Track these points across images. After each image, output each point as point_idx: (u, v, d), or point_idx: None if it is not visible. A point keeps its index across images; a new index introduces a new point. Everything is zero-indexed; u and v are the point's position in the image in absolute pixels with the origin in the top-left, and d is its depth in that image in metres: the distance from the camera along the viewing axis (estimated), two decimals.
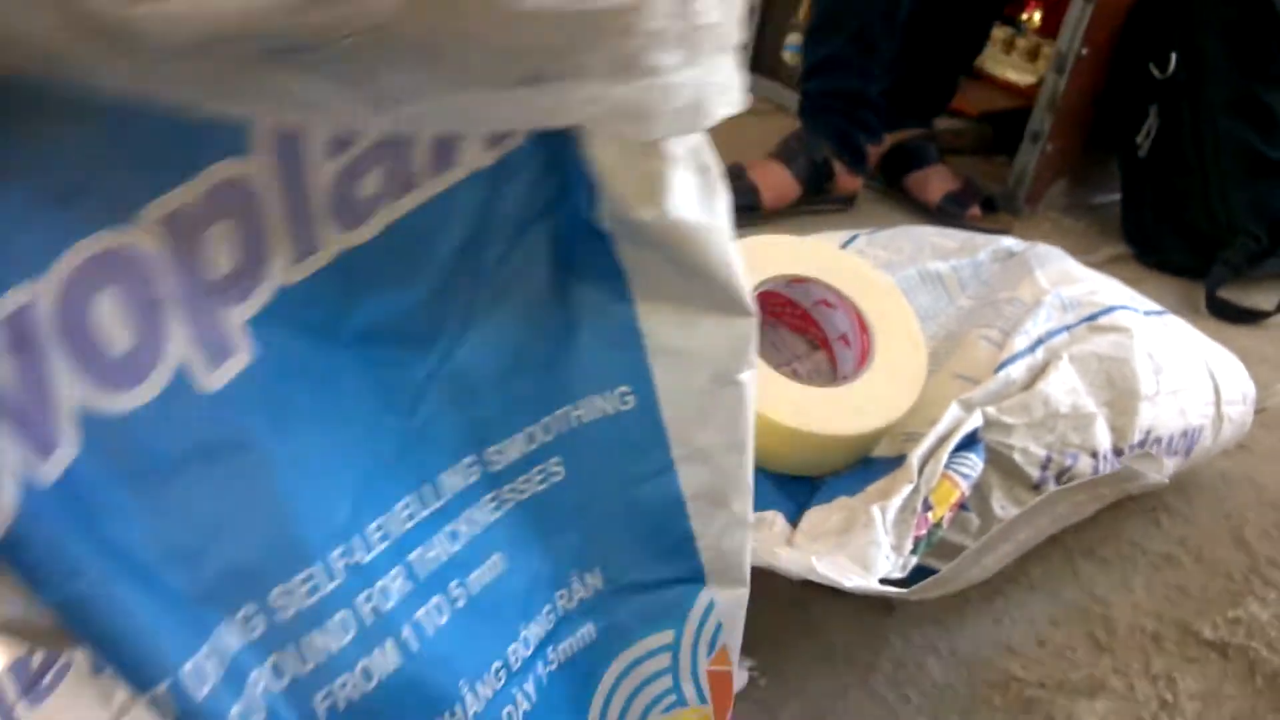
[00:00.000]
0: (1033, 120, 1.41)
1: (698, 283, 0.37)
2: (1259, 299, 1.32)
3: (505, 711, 0.39)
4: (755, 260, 0.68)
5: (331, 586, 0.33)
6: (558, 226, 0.37)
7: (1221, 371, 0.84)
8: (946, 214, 1.37)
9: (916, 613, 0.70)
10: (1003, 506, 0.67)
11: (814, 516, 0.57)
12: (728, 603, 0.45)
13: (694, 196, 0.35)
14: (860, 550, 0.51)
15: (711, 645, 0.45)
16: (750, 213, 1.26)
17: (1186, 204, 1.34)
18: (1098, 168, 1.49)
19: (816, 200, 1.33)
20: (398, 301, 0.34)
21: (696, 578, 0.44)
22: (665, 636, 0.44)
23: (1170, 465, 0.78)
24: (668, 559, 0.43)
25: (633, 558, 0.43)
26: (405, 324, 0.34)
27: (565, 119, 0.30)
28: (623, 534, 0.42)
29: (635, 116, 0.30)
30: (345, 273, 0.32)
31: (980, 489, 0.67)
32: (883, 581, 0.50)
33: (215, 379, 0.30)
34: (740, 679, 0.61)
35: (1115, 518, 0.83)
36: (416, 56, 0.25)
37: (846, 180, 1.33)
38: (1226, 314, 1.26)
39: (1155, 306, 0.86)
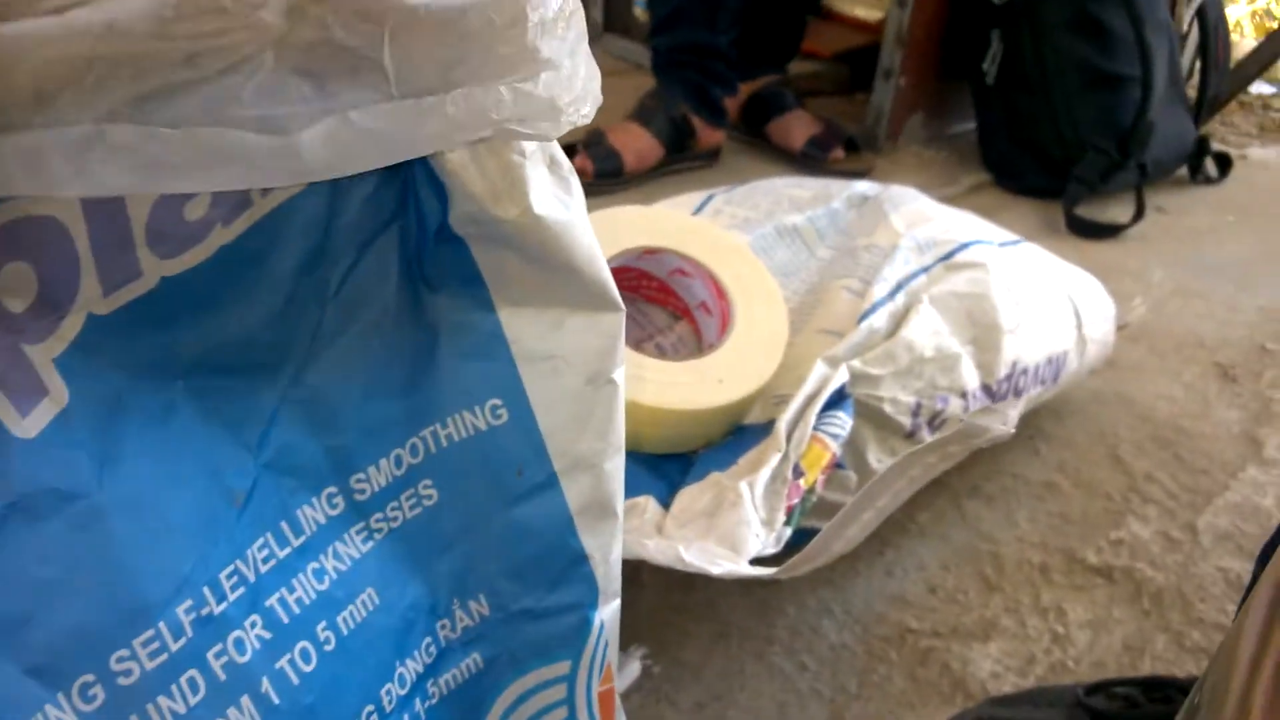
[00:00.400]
0: (882, 58, 1.41)
1: (562, 281, 0.35)
2: (1116, 212, 1.36)
3: None
4: (604, 234, 0.64)
5: (179, 645, 0.30)
6: (406, 235, 0.34)
7: (1080, 294, 0.85)
8: (810, 159, 1.36)
9: (809, 576, 0.69)
10: (879, 459, 0.66)
11: (685, 497, 0.54)
12: (612, 618, 0.42)
13: (550, 192, 0.33)
14: (729, 531, 0.49)
15: (601, 667, 0.43)
16: (614, 178, 1.22)
17: (1036, 126, 1.36)
18: (953, 97, 1.51)
19: (680, 158, 1.30)
20: (234, 327, 0.31)
21: (592, 601, 0.41)
22: (561, 667, 0.41)
23: (1037, 394, 0.79)
24: (562, 583, 0.40)
25: (522, 583, 0.40)
26: (245, 351, 0.31)
27: (471, 131, 0.27)
28: (509, 558, 0.39)
29: (541, 115, 0.29)
30: (171, 300, 0.29)
31: (855, 444, 0.65)
32: (754, 562, 0.48)
33: (29, 425, 0.27)
34: (633, 670, 0.58)
35: (995, 452, 0.84)
36: (299, 77, 0.22)
37: (708, 135, 1.31)
38: (1086, 231, 1.29)
39: (1010, 236, 0.86)
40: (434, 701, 0.39)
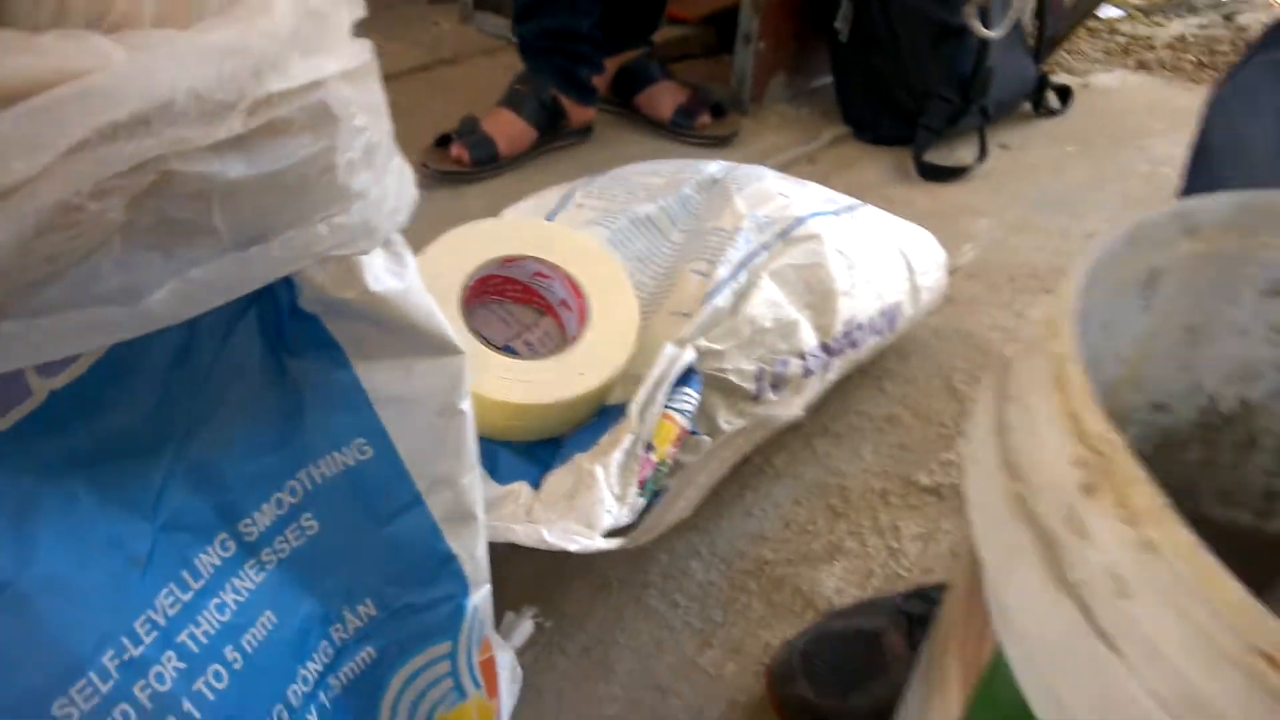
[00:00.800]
0: (740, 23, 1.49)
1: (406, 337, 0.42)
2: (964, 154, 1.47)
3: None
4: (466, 249, 0.73)
5: (108, 686, 0.36)
6: (264, 317, 0.40)
7: (912, 247, 0.96)
8: (679, 127, 1.44)
9: (678, 524, 0.79)
10: (728, 422, 0.76)
11: (551, 482, 0.64)
12: (484, 601, 0.51)
13: (384, 269, 0.40)
14: (587, 511, 0.58)
15: (478, 642, 0.52)
16: (490, 164, 1.29)
17: (888, 80, 1.46)
18: (812, 56, 1.59)
19: (552, 139, 1.37)
20: (120, 423, 0.37)
21: (463, 591, 0.50)
22: (443, 648, 0.50)
23: (875, 344, 0.90)
24: (435, 580, 0.48)
25: (403, 585, 0.48)
26: (132, 440, 0.37)
27: (297, 264, 0.34)
28: (388, 566, 0.47)
29: (358, 238, 0.35)
30: (60, 411, 0.34)
31: (706, 411, 0.75)
32: (612, 533, 0.58)
33: None
34: (526, 628, 0.68)
35: (845, 393, 0.95)
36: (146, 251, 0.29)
37: (578, 114, 1.38)
38: (935, 175, 1.40)
39: (849, 201, 0.96)
40: (336, 691, 0.47)
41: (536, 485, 0.65)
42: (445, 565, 0.48)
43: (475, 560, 0.49)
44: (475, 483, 0.47)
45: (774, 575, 0.76)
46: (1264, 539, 0.44)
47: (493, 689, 0.53)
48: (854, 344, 0.86)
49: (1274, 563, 0.44)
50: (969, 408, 0.94)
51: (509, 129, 1.31)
